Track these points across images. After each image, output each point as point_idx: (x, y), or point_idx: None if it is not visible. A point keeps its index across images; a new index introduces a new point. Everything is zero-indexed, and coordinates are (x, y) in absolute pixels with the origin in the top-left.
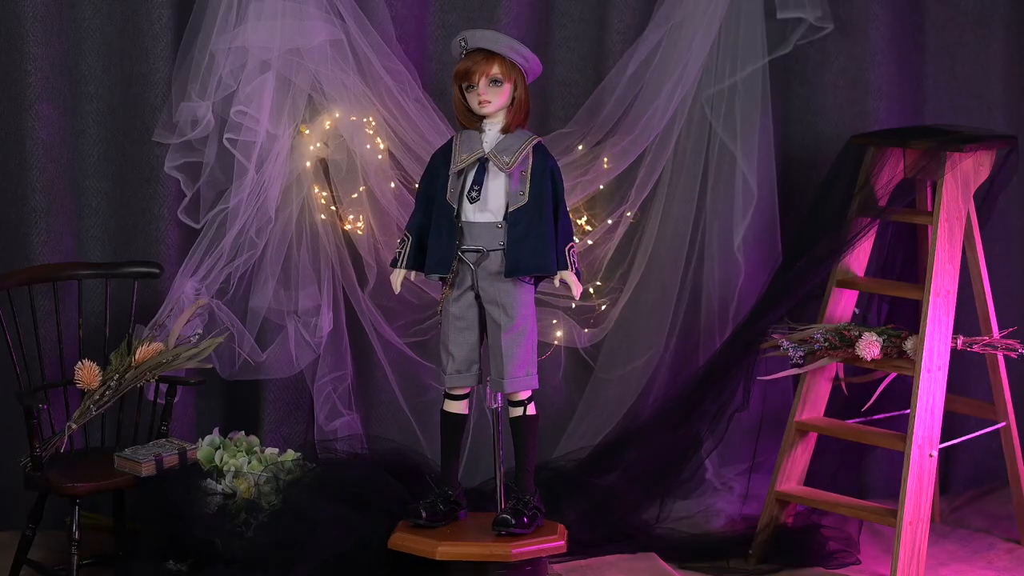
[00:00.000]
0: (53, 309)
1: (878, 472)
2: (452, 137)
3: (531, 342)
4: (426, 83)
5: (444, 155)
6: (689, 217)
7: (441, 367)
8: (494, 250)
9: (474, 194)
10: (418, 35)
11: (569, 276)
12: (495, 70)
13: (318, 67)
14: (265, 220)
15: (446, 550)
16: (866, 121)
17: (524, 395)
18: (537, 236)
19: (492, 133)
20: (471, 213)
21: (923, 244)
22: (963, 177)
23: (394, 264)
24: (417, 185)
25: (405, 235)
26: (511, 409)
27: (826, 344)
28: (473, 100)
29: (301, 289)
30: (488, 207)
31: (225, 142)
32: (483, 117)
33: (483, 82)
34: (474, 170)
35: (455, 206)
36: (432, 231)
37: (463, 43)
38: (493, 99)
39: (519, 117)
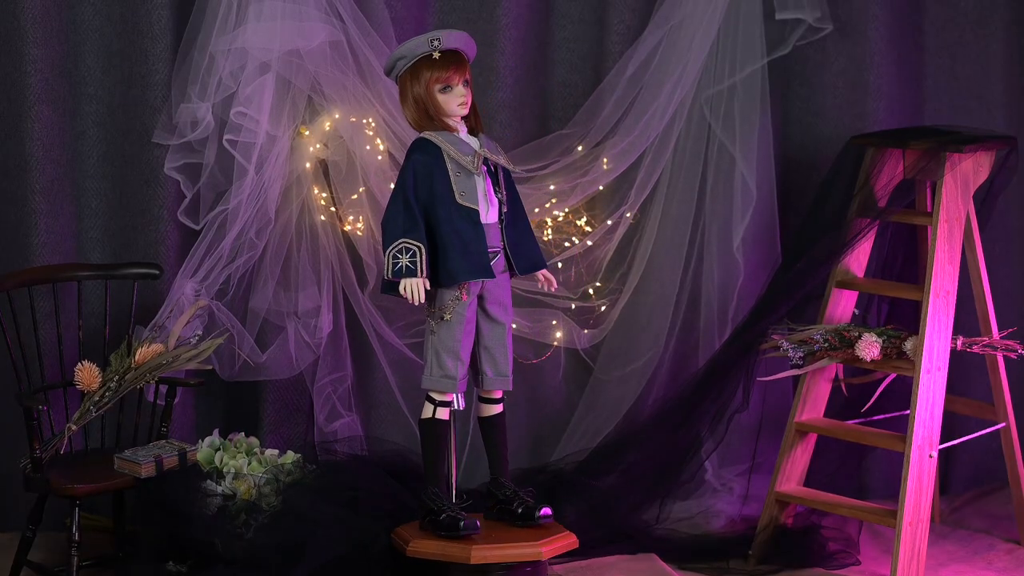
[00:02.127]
0: (53, 310)
1: (878, 472)
2: (424, 139)
3: None
4: None
5: (433, 158)
6: (688, 218)
7: (442, 374)
8: (501, 250)
9: (501, 196)
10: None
11: (547, 272)
12: (467, 73)
13: (318, 68)
14: (265, 221)
15: (549, 550)
16: (865, 122)
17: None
18: (528, 233)
19: (464, 135)
20: (483, 215)
21: (923, 245)
22: (963, 178)
23: (406, 274)
24: (397, 187)
25: (412, 244)
26: (490, 407)
27: (826, 345)
28: (452, 102)
29: (301, 290)
30: (493, 207)
31: (225, 143)
32: (445, 119)
33: (461, 84)
34: (483, 171)
35: (476, 208)
36: (450, 237)
37: (436, 42)
38: (469, 101)
39: (479, 118)
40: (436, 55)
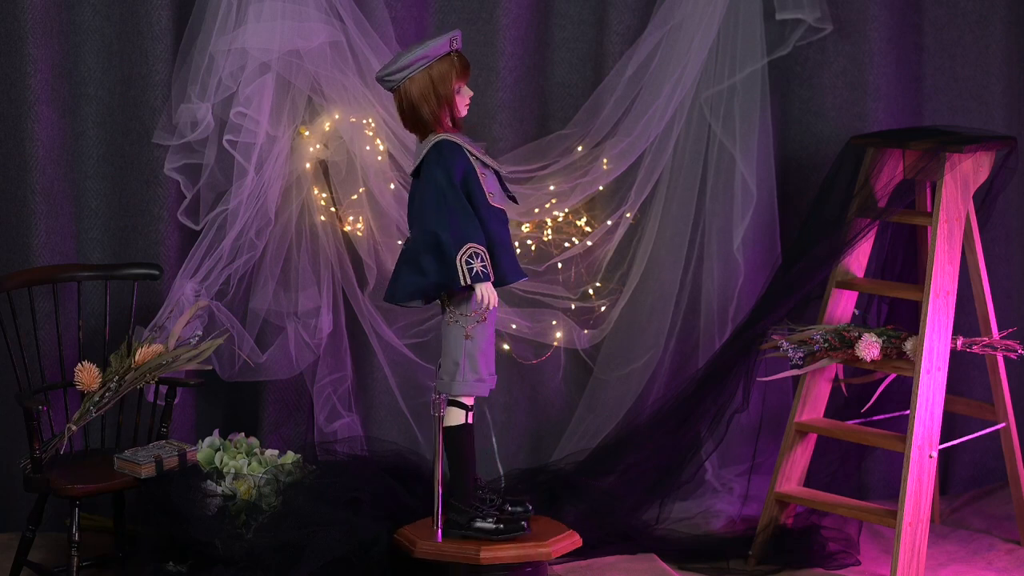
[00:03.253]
0: (53, 311)
1: (878, 473)
2: (450, 142)
3: None
4: None
5: (465, 160)
6: (688, 218)
7: (477, 377)
8: None
9: (511, 194)
10: (417, 36)
11: None
12: None
13: (318, 68)
14: (265, 222)
15: (578, 539)
16: (865, 122)
17: None
18: None
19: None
20: None
21: (923, 245)
22: (962, 178)
23: (483, 279)
24: (456, 196)
25: (479, 248)
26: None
27: (826, 345)
28: (462, 102)
29: (301, 290)
30: None
31: (225, 144)
32: (458, 119)
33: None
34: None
35: (504, 208)
36: (493, 239)
37: (455, 42)
38: None
39: None
40: (455, 56)
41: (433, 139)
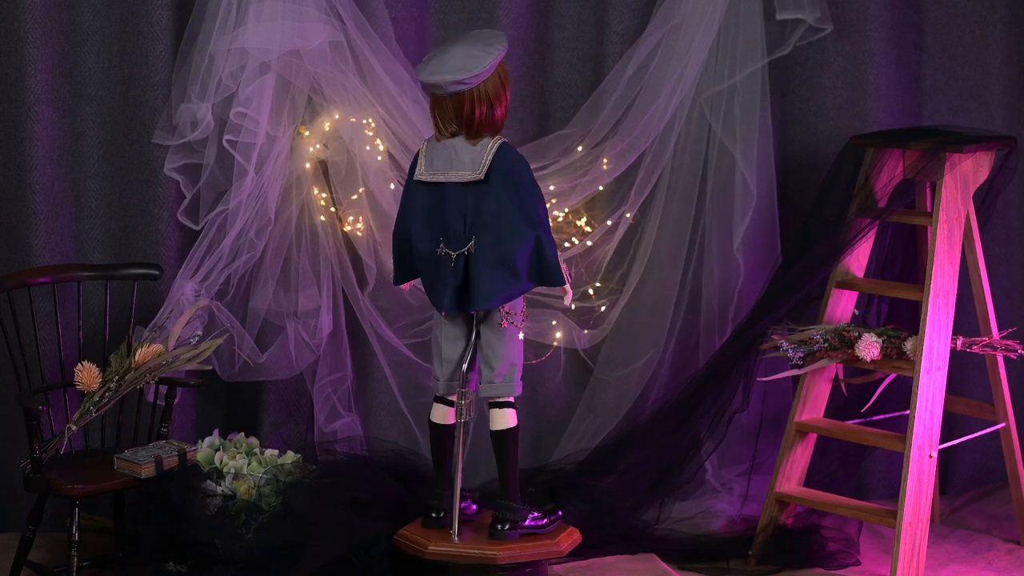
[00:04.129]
0: (53, 311)
1: (878, 473)
2: (507, 143)
3: None
4: None
5: None
6: (688, 218)
7: (520, 376)
8: None
9: None
10: (418, 37)
11: None
12: None
13: (317, 68)
14: (265, 221)
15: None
16: (865, 122)
17: None
18: None
19: None
20: None
21: (923, 245)
22: (962, 178)
23: (570, 277)
24: (540, 194)
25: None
26: (451, 411)
27: (826, 345)
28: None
29: (301, 290)
30: None
31: (225, 144)
32: None
33: None
34: None
35: None
36: None
37: None
38: None
39: None
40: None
41: (496, 141)
